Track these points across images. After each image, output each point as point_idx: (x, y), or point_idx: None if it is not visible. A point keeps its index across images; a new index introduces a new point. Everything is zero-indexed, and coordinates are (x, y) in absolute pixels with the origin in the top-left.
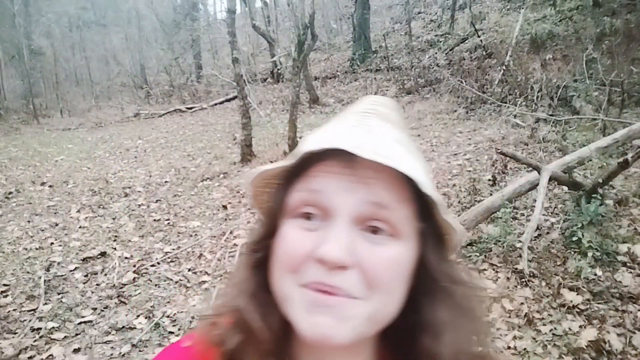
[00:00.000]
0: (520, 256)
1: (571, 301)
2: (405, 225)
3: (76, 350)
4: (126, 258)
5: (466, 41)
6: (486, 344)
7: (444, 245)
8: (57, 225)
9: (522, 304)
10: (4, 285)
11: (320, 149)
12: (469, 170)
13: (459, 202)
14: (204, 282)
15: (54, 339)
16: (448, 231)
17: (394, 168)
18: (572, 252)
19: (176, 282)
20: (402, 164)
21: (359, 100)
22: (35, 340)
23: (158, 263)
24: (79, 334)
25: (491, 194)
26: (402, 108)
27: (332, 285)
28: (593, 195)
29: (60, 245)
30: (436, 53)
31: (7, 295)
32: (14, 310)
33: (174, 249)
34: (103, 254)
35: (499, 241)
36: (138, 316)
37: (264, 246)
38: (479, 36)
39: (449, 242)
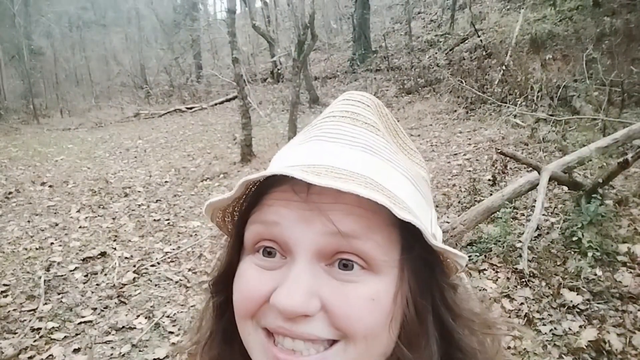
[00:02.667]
0: (520, 256)
1: (571, 301)
2: (381, 255)
3: (76, 350)
4: (126, 258)
5: (466, 41)
6: None
7: (437, 272)
8: (57, 225)
9: (522, 304)
10: (4, 285)
11: (259, 176)
12: (469, 170)
13: (459, 202)
14: (204, 282)
15: (54, 339)
16: (444, 254)
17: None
18: (572, 252)
19: (176, 282)
20: (367, 185)
21: (335, 100)
22: (35, 340)
23: (158, 263)
24: (79, 334)
25: (491, 194)
26: (402, 108)
27: (293, 331)
28: (593, 195)
29: (60, 245)
30: (436, 53)
31: (7, 295)
32: (14, 310)
33: (174, 249)
34: (103, 254)
35: (499, 241)
36: (138, 316)
37: (226, 286)
38: (479, 36)
39: (446, 265)
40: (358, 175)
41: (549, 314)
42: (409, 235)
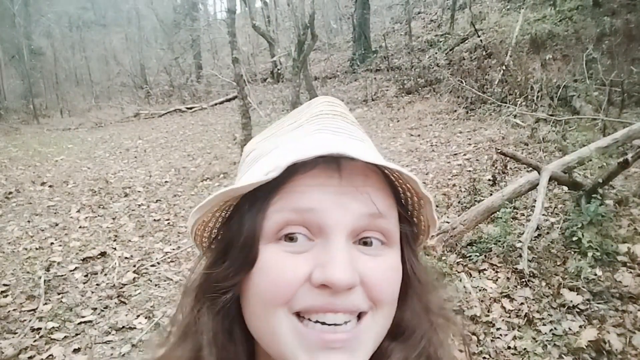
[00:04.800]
0: (520, 256)
1: (571, 301)
2: (396, 231)
3: (76, 350)
4: (126, 258)
5: (466, 41)
6: (448, 347)
7: (415, 243)
8: (57, 225)
9: (522, 304)
10: (4, 285)
11: (310, 156)
12: (469, 170)
13: (459, 202)
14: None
15: (54, 339)
16: (422, 229)
17: (378, 173)
18: (572, 252)
19: (176, 282)
20: (398, 167)
21: (310, 103)
22: (35, 340)
23: (158, 263)
24: (79, 334)
25: (491, 194)
26: (402, 108)
27: (340, 305)
28: (593, 195)
29: (60, 245)
30: (436, 53)
31: (7, 295)
32: (14, 310)
33: (174, 249)
34: (103, 254)
35: (499, 241)
36: (138, 316)
37: (234, 284)
38: (479, 36)
39: (420, 239)
40: (381, 159)
41: (549, 314)
42: (402, 213)
